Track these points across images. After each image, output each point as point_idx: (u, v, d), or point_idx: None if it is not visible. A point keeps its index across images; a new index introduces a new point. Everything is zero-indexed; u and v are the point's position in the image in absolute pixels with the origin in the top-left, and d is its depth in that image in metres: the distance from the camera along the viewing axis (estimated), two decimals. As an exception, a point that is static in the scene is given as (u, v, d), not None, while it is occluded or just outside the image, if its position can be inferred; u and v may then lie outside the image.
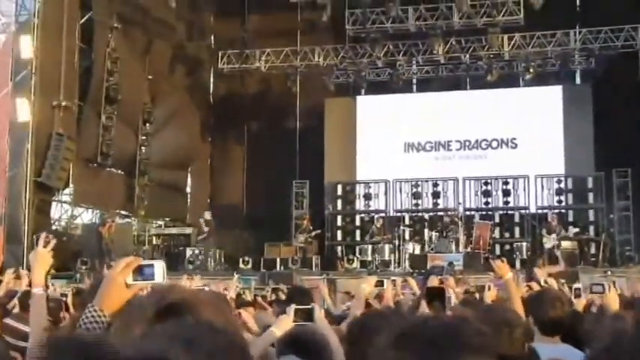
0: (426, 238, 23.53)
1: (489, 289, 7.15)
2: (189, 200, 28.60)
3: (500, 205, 25.05)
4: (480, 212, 25.01)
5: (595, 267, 20.52)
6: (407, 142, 26.97)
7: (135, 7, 24.61)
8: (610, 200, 23.57)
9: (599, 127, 24.78)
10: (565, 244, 21.53)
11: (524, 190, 24.83)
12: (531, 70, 25.32)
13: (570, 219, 24.32)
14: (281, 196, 25.58)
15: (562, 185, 24.75)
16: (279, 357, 3.04)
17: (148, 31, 25.41)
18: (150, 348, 1.12)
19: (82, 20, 22.62)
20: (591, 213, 24.28)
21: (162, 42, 26.15)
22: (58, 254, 18.00)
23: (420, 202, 25.54)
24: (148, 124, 26.11)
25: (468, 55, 25.75)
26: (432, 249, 22.49)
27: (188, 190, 28.83)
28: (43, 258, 4.37)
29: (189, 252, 22.58)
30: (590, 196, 24.37)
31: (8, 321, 5.73)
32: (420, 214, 25.49)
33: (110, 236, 22.10)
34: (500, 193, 25.08)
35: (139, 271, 2.70)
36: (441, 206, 25.32)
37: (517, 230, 24.46)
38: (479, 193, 25.31)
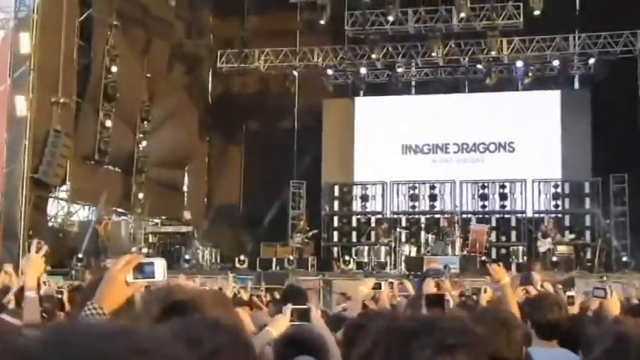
0: (423, 240, 23.57)
1: (485, 291, 7.15)
2: (186, 199, 28.59)
3: (497, 208, 25.07)
4: (476, 215, 25.01)
5: (591, 272, 20.53)
6: (405, 144, 26.98)
7: (134, 5, 24.60)
8: (607, 205, 23.61)
9: (597, 133, 24.81)
10: (561, 248, 21.56)
11: (521, 194, 24.85)
12: (530, 74, 25.34)
13: (567, 224, 24.34)
14: (278, 196, 25.60)
15: (559, 190, 24.77)
16: (285, 355, 3.05)
17: (147, 29, 25.40)
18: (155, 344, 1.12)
19: (82, 17, 22.60)
20: (588, 218, 24.32)
21: (161, 40, 26.14)
22: (54, 251, 18.00)
23: (416, 204, 25.54)
24: (145, 122, 26.10)
25: (467, 58, 25.77)
26: (428, 251, 22.51)
27: (185, 188, 28.81)
28: (35, 263, 4.46)
29: (184, 250, 22.58)
30: (587, 201, 24.40)
31: (4, 316, 5.73)
32: (416, 216, 25.49)
33: (106, 234, 22.08)
34: (497, 196, 25.10)
35: (140, 269, 2.70)
36: (437, 209, 25.33)
37: (513, 234, 24.47)
38: (476, 197, 25.34)
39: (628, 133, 23.48)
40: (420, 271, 19.42)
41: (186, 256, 22.34)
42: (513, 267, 20.69)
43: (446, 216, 24.14)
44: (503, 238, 24.51)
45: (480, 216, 24.96)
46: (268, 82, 28.04)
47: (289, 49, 26.37)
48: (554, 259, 21.09)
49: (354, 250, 24.02)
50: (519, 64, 25.44)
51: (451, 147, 26.75)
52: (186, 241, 23.04)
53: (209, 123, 29.20)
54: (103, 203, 23.13)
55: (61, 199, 23.42)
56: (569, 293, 7.16)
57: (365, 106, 28.03)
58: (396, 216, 25.36)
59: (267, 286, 17.70)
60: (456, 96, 27.48)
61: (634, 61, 24.21)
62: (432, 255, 21.90)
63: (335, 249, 25.21)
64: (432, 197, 25.49)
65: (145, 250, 22.13)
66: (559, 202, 24.70)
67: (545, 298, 5.19)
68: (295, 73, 26.63)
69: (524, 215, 24.68)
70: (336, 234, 25.66)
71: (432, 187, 25.55)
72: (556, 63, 25.33)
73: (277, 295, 12.50)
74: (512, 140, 26.30)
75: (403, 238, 23.06)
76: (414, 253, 22.49)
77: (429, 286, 6.46)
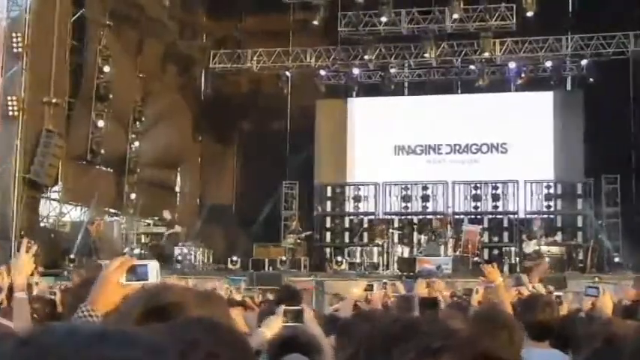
0: (415, 241, 23.59)
1: (477, 292, 7.16)
2: (178, 199, 28.56)
3: (490, 209, 25.09)
4: (469, 216, 25.02)
5: (583, 273, 20.56)
6: (397, 145, 26.99)
7: (127, 5, 24.55)
8: (599, 206, 23.65)
9: (589, 134, 24.87)
10: (553, 249, 21.58)
11: (514, 195, 24.87)
12: (523, 76, 25.39)
13: (559, 224, 24.38)
14: (271, 196, 25.57)
15: (551, 191, 24.80)
16: (277, 356, 3.04)
17: (141, 29, 25.36)
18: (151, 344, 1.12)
19: (74, 17, 22.54)
20: (580, 219, 24.35)
21: (155, 40, 26.10)
22: (46, 252, 17.92)
23: (409, 205, 25.53)
24: (138, 123, 26.08)
25: (459, 59, 25.80)
26: (420, 252, 22.52)
27: (177, 189, 28.78)
28: (24, 263, 4.43)
29: (177, 251, 22.55)
30: (579, 201, 24.43)
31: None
32: (409, 217, 25.49)
33: (98, 234, 22.04)
34: (489, 197, 25.11)
35: (133, 271, 2.69)
36: (430, 210, 25.33)
37: (506, 235, 24.48)
38: (468, 197, 25.35)
39: (620, 134, 23.55)
40: (413, 272, 19.50)
41: (179, 257, 22.30)
42: (505, 268, 20.72)
43: (438, 217, 24.16)
44: (496, 239, 24.52)
45: (473, 217, 24.97)
46: (261, 82, 28.02)
47: (282, 49, 26.36)
48: (547, 259, 21.08)
49: (346, 250, 24.03)
50: (512, 65, 25.49)
51: (444, 148, 26.76)
52: (171, 241, 23.00)
53: (202, 123, 29.14)
54: (94, 205, 23.09)
55: (53, 199, 23.37)
56: (556, 293, 7.17)
57: (358, 106, 28.03)
58: (388, 217, 25.35)
59: (260, 287, 17.71)
60: (448, 97, 27.49)
61: (626, 63, 24.26)
62: (425, 256, 21.92)
63: (327, 250, 25.18)
64: (425, 198, 25.49)
65: (137, 251, 22.12)
66: (551, 203, 24.73)
67: (537, 299, 5.20)
68: (288, 73, 26.64)
69: (516, 216, 24.70)
70: (328, 234, 25.63)
71: (425, 188, 25.55)
72: (549, 64, 25.39)
73: (270, 296, 12.50)
74: (504, 141, 26.33)
75: (396, 239, 23.07)
76: (406, 254, 22.52)
77: (420, 287, 6.48)
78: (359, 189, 26.06)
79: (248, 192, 27.38)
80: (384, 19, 24.20)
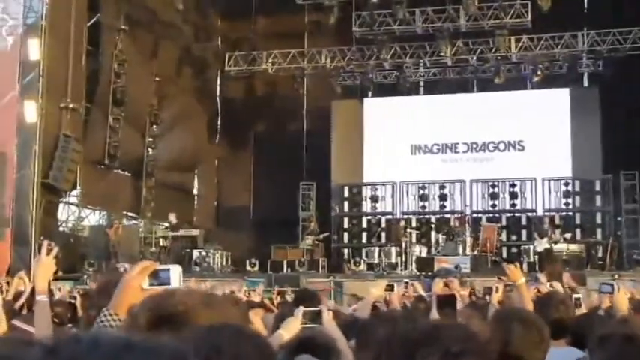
0: (433, 240, 23.54)
1: (497, 290, 7.14)
2: (196, 202, 28.64)
3: (507, 207, 25.01)
4: (486, 215, 24.96)
5: (602, 270, 20.45)
6: (414, 145, 26.95)
7: (142, 10, 24.63)
8: (617, 203, 23.52)
9: (607, 130, 24.73)
10: (572, 247, 21.46)
11: (532, 192, 24.79)
12: (539, 73, 25.28)
13: (577, 222, 24.29)
14: (288, 198, 25.57)
15: (569, 188, 24.70)
16: (293, 358, 3.05)
17: (156, 33, 25.46)
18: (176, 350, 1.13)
19: (90, 22, 22.67)
20: (598, 216, 24.26)
21: (170, 44, 26.20)
22: (65, 256, 18.02)
23: (426, 204, 25.51)
24: (155, 126, 26.17)
25: (475, 58, 25.73)
26: (438, 251, 22.48)
27: (195, 192, 28.87)
28: (45, 265, 4.39)
29: (195, 254, 22.60)
30: (598, 198, 24.33)
31: (16, 322, 5.74)
32: (426, 216, 25.45)
33: (117, 238, 22.13)
34: (507, 195, 25.05)
35: (155, 276, 2.70)
36: (447, 209, 25.30)
37: (524, 233, 24.40)
38: (486, 196, 25.28)
39: (638, 130, 23.40)
40: (431, 272, 19.45)
41: (197, 260, 22.36)
42: (524, 266, 20.63)
43: (456, 216, 24.11)
44: (514, 237, 24.44)
45: (491, 215, 24.92)
46: (276, 84, 28.04)
47: (297, 50, 26.36)
48: (565, 257, 20.97)
49: (364, 251, 24.01)
50: (528, 62, 25.39)
51: (460, 146, 26.69)
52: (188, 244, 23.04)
53: (218, 126, 29.23)
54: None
55: (72, 204, 23.50)
56: (575, 296, 7.12)
57: (374, 106, 28.01)
58: (406, 216, 25.32)
59: (279, 289, 17.71)
60: (464, 95, 27.45)
61: (643, 58, 24.11)
62: (443, 255, 21.88)
63: (345, 250, 25.20)
64: (442, 197, 25.46)
65: (153, 250, 22.19)
66: (569, 201, 24.62)
67: (552, 297, 5.19)
68: (304, 74, 26.64)
69: (534, 214, 24.61)
70: (346, 235, 25.64)
71: (442, 187, 25.53)
72: (565, 61, 25.26)
73: (288, 298, 12.51)
74: (521, 139, 26.23)
75: (414, 239, 23.04)
76: (424, 254, 22.46)
77: (438, 286, 6.46)
78: (376, 189, 26.05)
79: (265, 194, 27.41)
80: (398, 18, 24.11)
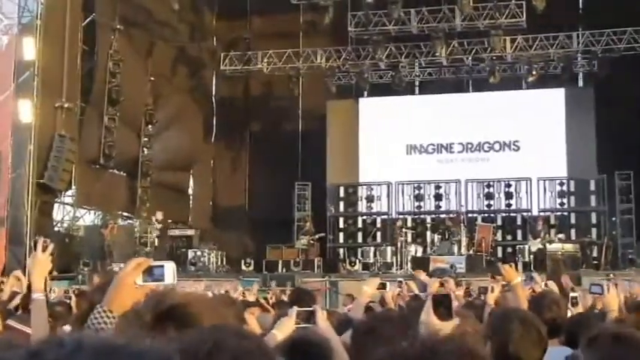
0: (428, 240, 23.56)
1: (492, 290, 7.14)
2: (191, 202, 28.61)
3: (503, 207, 25.05)
4: (482, 214, 25.00)
5: (597, 270, 20.48)
6: (409, 145, 26.96)
7: (137, 9, 24.61)
8: (612, 203, 23.56)
9: (602, 130, 24.75)
10: (567, 246, 21.48)
11: (527, 192, 24.84)
12: (534, 73, 25.30)
13: (572, 221, 24.33)
14: (283, 197, 25.58)
15: (564, 188, 24.75)
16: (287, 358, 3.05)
17: (151, 32, 25.43)
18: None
19: (85, 22, 22.65)
20: (593, 216, 24.29)
21: (165, 44, 26.17)
22: (61, 256, 17.98)
23: (422, 204, 25.55)
24: (150, 126, 26.13)
25: (470, 58, 25.74)
26: (434, 251, 22.48)
27: (190, 191, 28.84)
28: (41, 263, 4.35)
29: (190, 254, 22.59)
30: (593, 198, 24.37)
31: (11, 322, 5.72)
32: (422, 216, 25.48)
33: (112, 238, 22.10)
34: (502, 195, 25.09)
35: (149, 272, 2.70)
36: (443, 208, 25.33)
37: (519, 233, 24.43)
38: (481, 196, 25.32)
39: (633, 129, 23.44)
40: (427, 271, 19.44)
41: (192, 260, 22.35)
42: (520, 266, 20.63)
43: (451, 215, 24.12)
44: (509, 237, 24.48)
45: (486, 215, 24.96)
46: (272, 83, 28.03)
47: (292, 50, 26.33)
48: (560, 257, 20.98)
49: (359, 251, 24.02)
50: (523, 62, 25.41)
51: (456, 146, 26.71)
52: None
53: (213, 125, 29.20)
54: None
55: (67, 203, 23.46)
56: (572, 294, 7.14)
57: (369, 106, 28.01)
58: (401, 216, 25.33)
59: (279, 289, 17.70)
60: (459, 95, 27.47)
61: (638, 58, 24.12)
62: (438, 255, 21.89)
63: (341, 250, 25.21)
64: (438, 197, 25.50)
65: (148, 249, 22.17)
66: (564, 200, 24.67)
67: (545, 297, 5.20)
68: (299, 74, 26.63)
69: (529, 214, 24.65)
70: (341, 235, 25.65)
71: (437, 187, 25.57)
72: (560, 61, 25.29)
73: (284, 297, 12.51)
74: (516, 139, 26.26)
75: (409, 239, 23.04)
76: (419, 254, 22.46)
77: (434, 286, 6.44)
78: (371, 189, 26.07)
79: (260, 193, 27.42)
80: (393, 18, 24.10)
